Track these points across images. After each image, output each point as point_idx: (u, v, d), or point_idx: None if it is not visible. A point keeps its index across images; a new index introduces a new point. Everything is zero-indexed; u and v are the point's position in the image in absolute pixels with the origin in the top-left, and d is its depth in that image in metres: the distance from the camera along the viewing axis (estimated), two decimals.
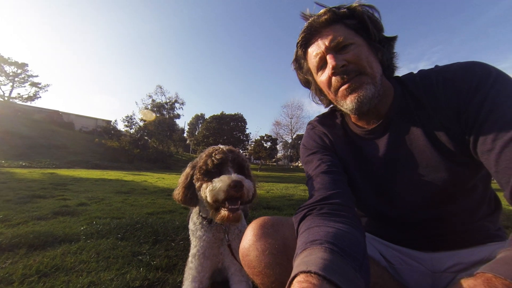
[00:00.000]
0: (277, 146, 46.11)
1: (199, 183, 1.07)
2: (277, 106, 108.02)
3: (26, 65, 33.22)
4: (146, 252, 1.77)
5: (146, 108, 34.93)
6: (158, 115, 34.41)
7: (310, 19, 0.83)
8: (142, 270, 1.44)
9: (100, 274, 1.38)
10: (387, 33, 0.84)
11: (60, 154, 20.01)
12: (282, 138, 45.24)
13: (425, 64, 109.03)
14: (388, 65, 0.85)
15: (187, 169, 1.18)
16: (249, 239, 0.76)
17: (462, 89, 0.68)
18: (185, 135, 55.70)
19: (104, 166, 18.98)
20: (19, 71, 32.97)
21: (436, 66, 0.78)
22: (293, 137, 44.93)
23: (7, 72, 32.19)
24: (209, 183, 1.01)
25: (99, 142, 25.92)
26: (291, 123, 43.94)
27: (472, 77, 0.67)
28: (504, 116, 0.59)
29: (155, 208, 3.57)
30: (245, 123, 45.18)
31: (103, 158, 22.73)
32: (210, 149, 1.14)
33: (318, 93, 0.96)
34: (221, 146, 1.14)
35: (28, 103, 34.88)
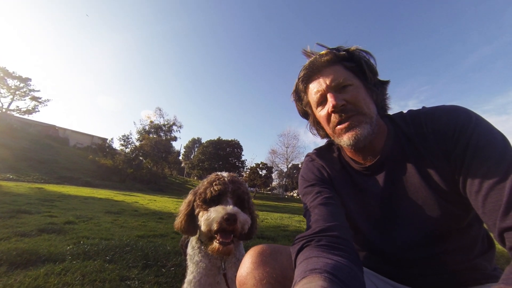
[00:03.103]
0: (272, 175, 45.84)
1: (197, 209, 1.07)
2: (273, 134, 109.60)
3: (29, 79, 33.67)
4: (135, 277, 1.67)
5: (144, 129, 35.05)
6: (155, 136, 34.43)
7: (312, 58, 0.88)
8: None
9: None
10: (380, 72, 0.91)
11: (51, 169, 19.56)
12: (278, 166, 45.08)
13: (415, 102, 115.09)
14: (382, 106, 0.90)
15: (189, 196, 1.16)
16: (247, 267, 0.75)
17: (447, 133, 0.72)
18: (180, 158, 55.30)
19: (95, 184, 18.50)
20: (21, 85, 33.30)
21: (423, 108, 0.83)
22: (289, 166, 44.86)
23: (9, 85, 32.47)
24: (206, 212, 1.01)
25: (93, 159, 25.50)
26: (287, 152, 43.99)
27: (456, 122, 0.71)
28: (489, 159, 0.62)
29: (146, 231, 3.44)
30: (241, 149, 45.37)
31: (95, 176, 22.24)
32: (212, 176, 1.13)
33: (316, 125, 0.99)
34: (224, 175, 1.13)
35: (26, 116, 34.83)
